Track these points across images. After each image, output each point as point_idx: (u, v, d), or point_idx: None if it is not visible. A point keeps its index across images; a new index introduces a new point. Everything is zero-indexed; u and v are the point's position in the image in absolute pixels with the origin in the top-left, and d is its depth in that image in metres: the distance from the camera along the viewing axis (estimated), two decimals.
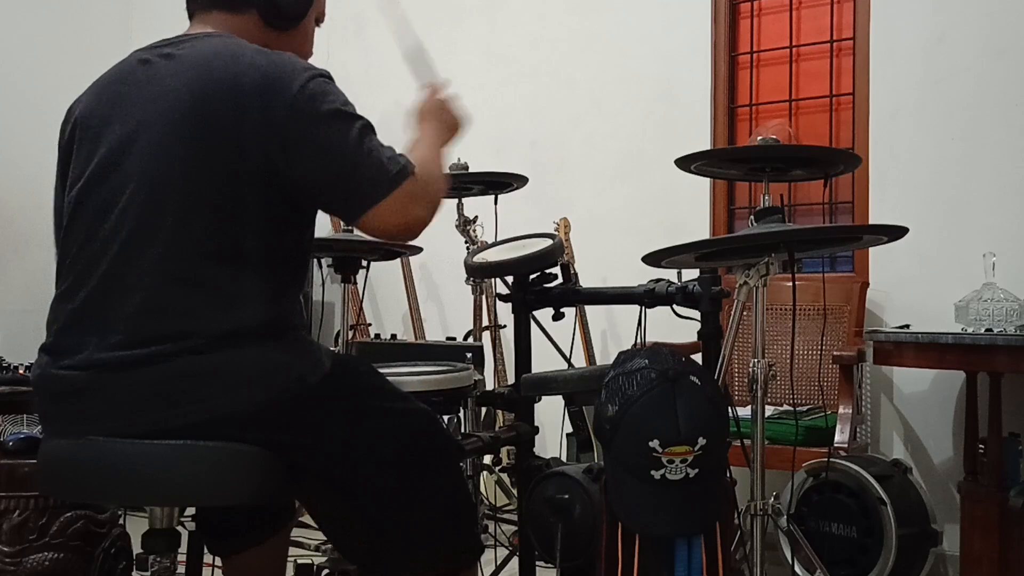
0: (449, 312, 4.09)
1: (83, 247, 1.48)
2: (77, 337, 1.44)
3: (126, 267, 1.43)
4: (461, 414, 2.19)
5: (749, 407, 2.07)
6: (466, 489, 1.68)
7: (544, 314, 2.21)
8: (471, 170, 3.10)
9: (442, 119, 1.73)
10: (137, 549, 1.62)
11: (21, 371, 2.70)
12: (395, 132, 1.64)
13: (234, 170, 1.43)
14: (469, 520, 1.66)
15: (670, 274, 2.04)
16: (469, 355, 2.45)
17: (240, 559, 1.76)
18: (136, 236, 1.43)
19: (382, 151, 1.49)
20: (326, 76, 1.51)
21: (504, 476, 3.47)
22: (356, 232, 2.70)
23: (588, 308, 3.56)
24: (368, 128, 1.50)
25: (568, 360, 2.65)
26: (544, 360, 2.34)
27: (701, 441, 1.53)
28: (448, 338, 3.82)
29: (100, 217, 1.46)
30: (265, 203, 1.46)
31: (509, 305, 2.21)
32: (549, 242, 2.13)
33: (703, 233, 3.56)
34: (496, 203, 3.15)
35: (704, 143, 3.54)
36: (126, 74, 1.54)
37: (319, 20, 1.74)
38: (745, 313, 1.93)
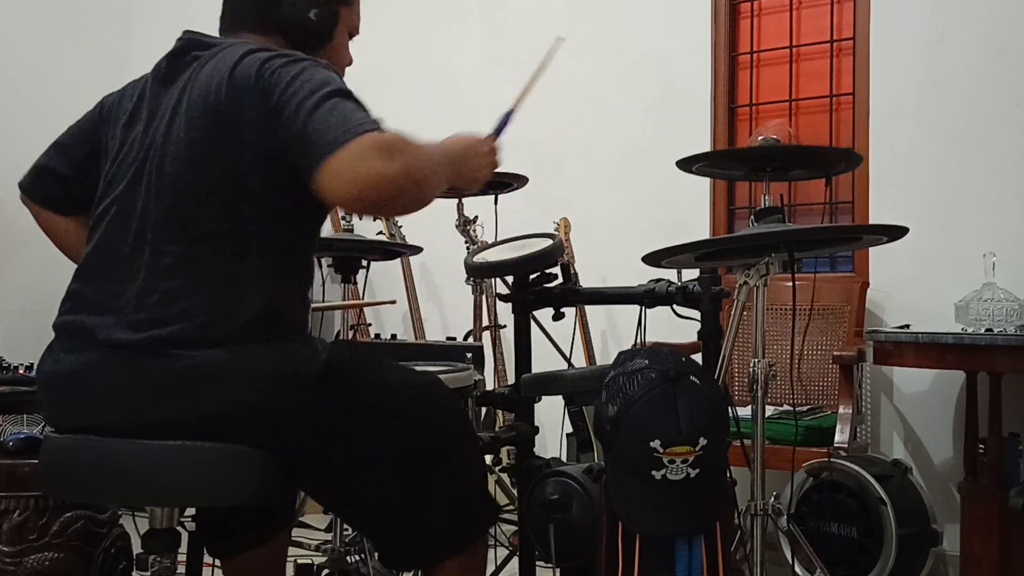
0: (449, 312, 4.09)
1: (98, 238, 1.51)
2: (83, 326, 1.45)
3: (131, 255, 1.45)
4: None
5: (749, 407, 2.07)
6: (475, 469, 1.65)
7: (544, 314, 2.20)
8: None
9: (469, 157, 1.64)
10: (137, 549, 1.61)
11: (21, 371, 2.69)
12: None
13: (237, 155, 1.44)
14: (478, 508, 1.64)
15: (670, 274, 2.03)
16: (469, 355, 2.45)
17: (240, 560, 1.76)
18: (144, 223, 1.45)
19: (355, 111, 1.36)
20: (330, 68, 1.47)
21: (504, 476, 3.47)
22: (356, 232, 2.71)
23: (588, 308, 3.56)
24: (345, 92, 1.39)
25: (568, 360, 2.65)
26: (544, 360, 2.34)
27: (702, 441, 1.53)
28: (448, 338, 3.82)
29: (111, 207, 1.50)
30: (267, 188, 1.45)
31: (509, 305, 2.20)
32: (549, 242, 2.12)
33: (703, 233, 3.56)
34: (496, 203, 3.15)
35: (704, 143, 3.54)
36: (155, 70, 1.59)
37: (352, 34, 1.73)
38: (745, 313, 1.93)
